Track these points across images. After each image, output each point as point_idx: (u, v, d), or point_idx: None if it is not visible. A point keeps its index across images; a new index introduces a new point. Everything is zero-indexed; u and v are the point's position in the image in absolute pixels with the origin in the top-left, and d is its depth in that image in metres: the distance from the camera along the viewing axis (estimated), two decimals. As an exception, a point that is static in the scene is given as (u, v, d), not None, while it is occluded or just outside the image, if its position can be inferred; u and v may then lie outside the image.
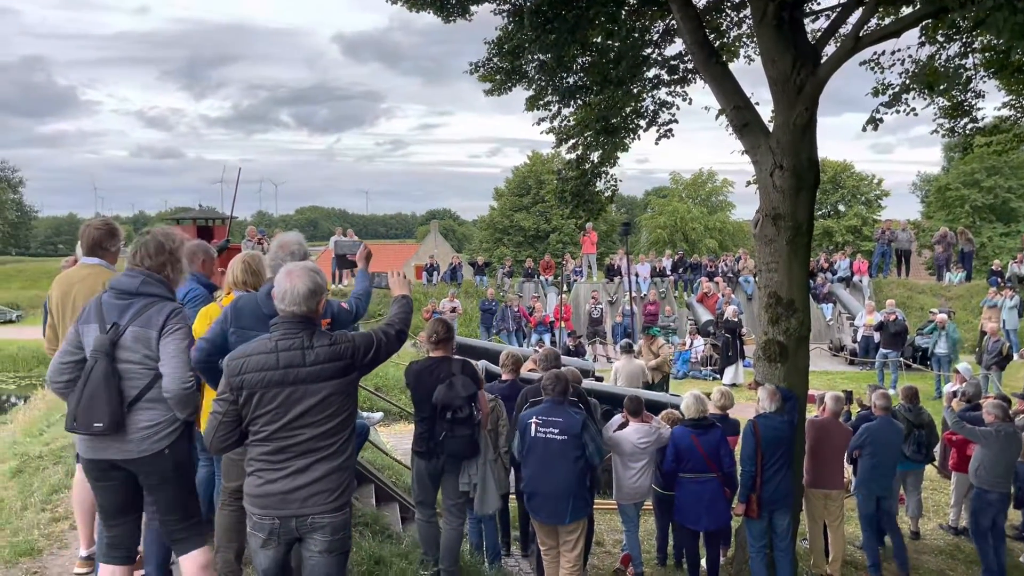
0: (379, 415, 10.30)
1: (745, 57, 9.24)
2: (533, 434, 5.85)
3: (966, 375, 10.65)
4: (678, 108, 9.31)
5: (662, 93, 9.25)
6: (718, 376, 18.36)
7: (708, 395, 7.69)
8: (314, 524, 3.26)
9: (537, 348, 14.10)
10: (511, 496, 7.31)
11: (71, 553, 4.90)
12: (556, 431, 5.79)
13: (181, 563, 3.62)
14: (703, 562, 7.27)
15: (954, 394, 9.62)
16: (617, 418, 7.40)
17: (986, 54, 8.04)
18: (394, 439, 11.91)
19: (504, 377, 7.37)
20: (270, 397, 3.22)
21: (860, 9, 7.13)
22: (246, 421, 3.27)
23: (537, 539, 6.39)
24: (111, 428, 3.36)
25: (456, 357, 5.60)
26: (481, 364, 8.46)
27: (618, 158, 9.74)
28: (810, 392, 8.16)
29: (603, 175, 9.81)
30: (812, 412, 8.31)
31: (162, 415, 3.49)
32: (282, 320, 3.33)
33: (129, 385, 3.44)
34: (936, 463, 10.29)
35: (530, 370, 8.43)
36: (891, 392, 10.50)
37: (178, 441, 3.54)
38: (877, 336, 18.12)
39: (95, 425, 3.36)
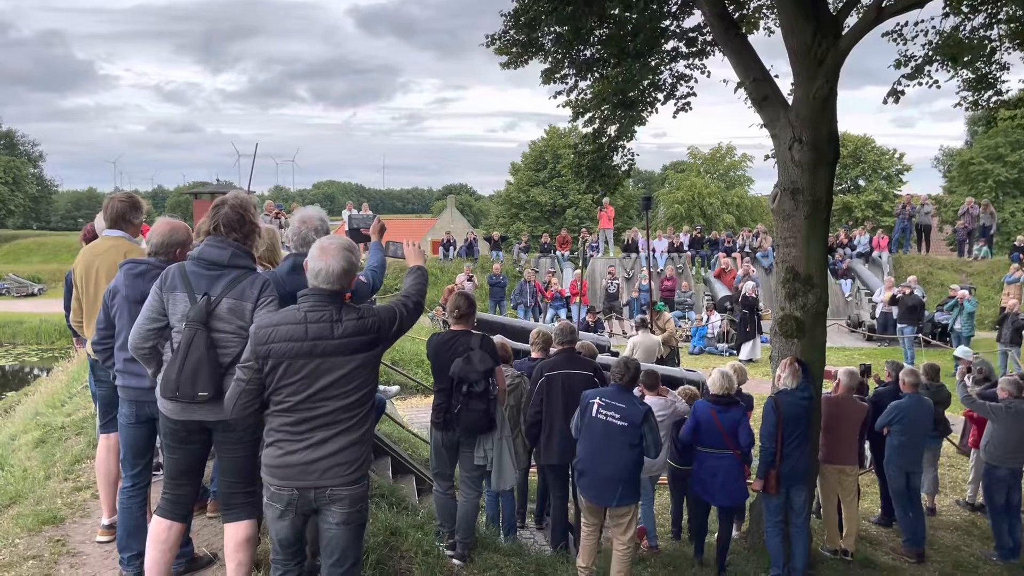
0: (395, 388, 10.36)
1: (765, 29, 9.12)
2: (593, 414, 5.86)
3: (967, 357, 10.57)
4: (696, 81, 9.23)
5: (680, 66, 9.15)
6: (734, 352, 18.33)
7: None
8: (332, 496, 3.28)
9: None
10: (531, 469, 7.35)
11: (93, 521, 4.98)
12: (617, 416, 5.79)
13: (226, 529, 3.69)
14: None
15: (968, 370, 9.54)
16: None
17: (1011, 25, 7.89)
18: (410, 412, 12.01)
19: (534, 355, 7.38)
20: (296, 368, 3.24)
21: (883, -21, 7.00)
22: (269, 391, 3.29)
23: (581, 516, 6.34)
24: (215, 396, 3.46)
25: (476, 332, 5.62)
26: (497, 339, 8.46)
27: (635, 132, 9.70)
28: (826, 368, 8.11)
29: (620, 149, 9.75)
30: (828, 388, 8.27)
31: None
32: (312, 292, 3.34)
33: (223, 353, 3.53)
34: (955, 439, 10.24)
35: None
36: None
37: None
38: (896, 312, 17.97)
39: (201, 394, 3.45)
